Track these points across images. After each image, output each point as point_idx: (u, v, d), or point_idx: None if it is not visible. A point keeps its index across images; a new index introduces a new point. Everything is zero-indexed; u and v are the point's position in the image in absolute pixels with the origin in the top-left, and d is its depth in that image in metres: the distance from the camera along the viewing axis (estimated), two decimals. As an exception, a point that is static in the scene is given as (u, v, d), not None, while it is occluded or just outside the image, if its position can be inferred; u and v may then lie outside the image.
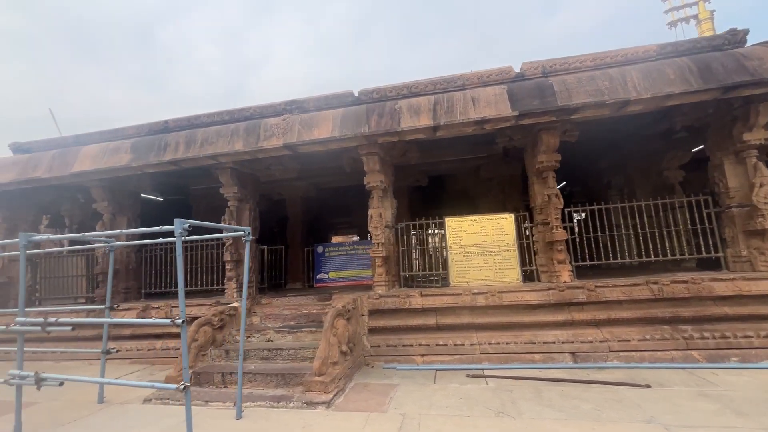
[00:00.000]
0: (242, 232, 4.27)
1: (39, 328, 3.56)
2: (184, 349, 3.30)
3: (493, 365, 5.28)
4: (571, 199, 10.69)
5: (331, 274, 9.55)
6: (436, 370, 5.24)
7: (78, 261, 8.41)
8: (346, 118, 6.57)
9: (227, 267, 7.05)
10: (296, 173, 8.74)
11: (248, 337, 5.84)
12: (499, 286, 5.93)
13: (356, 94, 7.27)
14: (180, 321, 3.15)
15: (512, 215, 6.53)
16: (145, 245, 8.24)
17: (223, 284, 8.00)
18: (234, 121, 7.64)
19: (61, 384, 3.49)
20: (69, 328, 3.43)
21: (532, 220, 6.58)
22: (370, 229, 6.48)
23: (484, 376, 4.86)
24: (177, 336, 6.74)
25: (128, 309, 7.13)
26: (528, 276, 6.39)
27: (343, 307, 5.30)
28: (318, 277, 9.57)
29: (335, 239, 17.05)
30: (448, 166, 9.45)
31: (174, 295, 8.34)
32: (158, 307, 6.94)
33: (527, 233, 6.70)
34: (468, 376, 4.92)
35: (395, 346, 5.82)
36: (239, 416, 3.87)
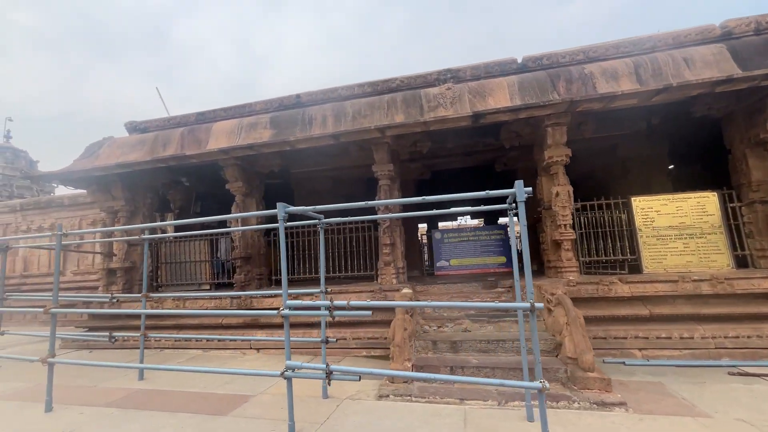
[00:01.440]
0: (511, 204, 3.65)
1: (327, 312, 3.03)
2: (540, 340, 2.69)
3: (739, 362, 4.59)
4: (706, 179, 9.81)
5: (453, 262, 8.96)
6: (677, 365, 4.58)
7: (201, 246, 8.00)
8: (524, 85, 5.90)
9: (384, 251, 6.50)
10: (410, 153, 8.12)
11: (438, 327, 5.28)
12: (723, 272, 5.22)
13: (520, 61, 6.58)
14: (538, 305, 2.55)
15: (715, 193, 5.78)
16: (273, 229, 7.76)
17: (351, 271, 7.52)
18: (377, 94, 7.07)
19: (359, 378, 2.96)
20: (368, 313, 2.88)
21: (739, 200, 5.81)
22: (556, 209, 5.80)
23: (751, 375, 4.19)
24: (335, 325, 6.25)
25: (274, 296, 6.64)
26: (739, 261, 5.65)
27: (564, 294, 4.68)
28: (438, 264, 8.99)
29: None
30: (575, 146, 8.68)
31: (310, 282, 7.82)
32: (312, 294, 6.43)
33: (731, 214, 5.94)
34: (731, 374, 4.26)
35: (604, 338, 5.19)
36: (531, 418, 3.30)
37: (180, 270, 8.12)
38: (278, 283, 7.79)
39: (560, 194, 5.79)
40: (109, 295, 5.55)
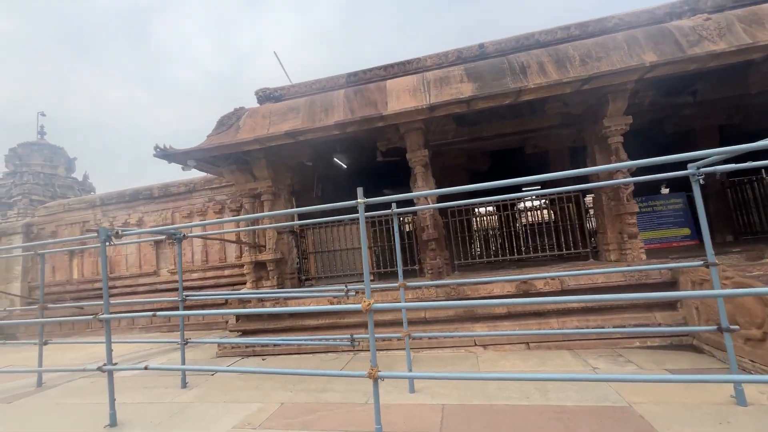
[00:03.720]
0: None
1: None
2: None
3: None
4: None
5: (624, 237, 7.89)
6: None
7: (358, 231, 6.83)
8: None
9: (629, 221, 5.39)
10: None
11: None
12: None
13: (778, -15, 5.45)
14: None
15: None
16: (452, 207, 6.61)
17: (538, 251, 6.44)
18: (587, 36, 5.92)
19: None
20: None
21: None
22: None
23: None
24: (584, 312, 5.19)
25: (491, 282, 5.48)
26: None
27: None
28: (608, 241, 7.91)
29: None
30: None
31: (491, 266, 6.70)
32: (548, 279, 5.33)
33: None
34: None
35: None
36: None
37: (332, 259, 6.99)
38: (461, 268, 6.69)
39: None
40: (344, 286, 4.42)
